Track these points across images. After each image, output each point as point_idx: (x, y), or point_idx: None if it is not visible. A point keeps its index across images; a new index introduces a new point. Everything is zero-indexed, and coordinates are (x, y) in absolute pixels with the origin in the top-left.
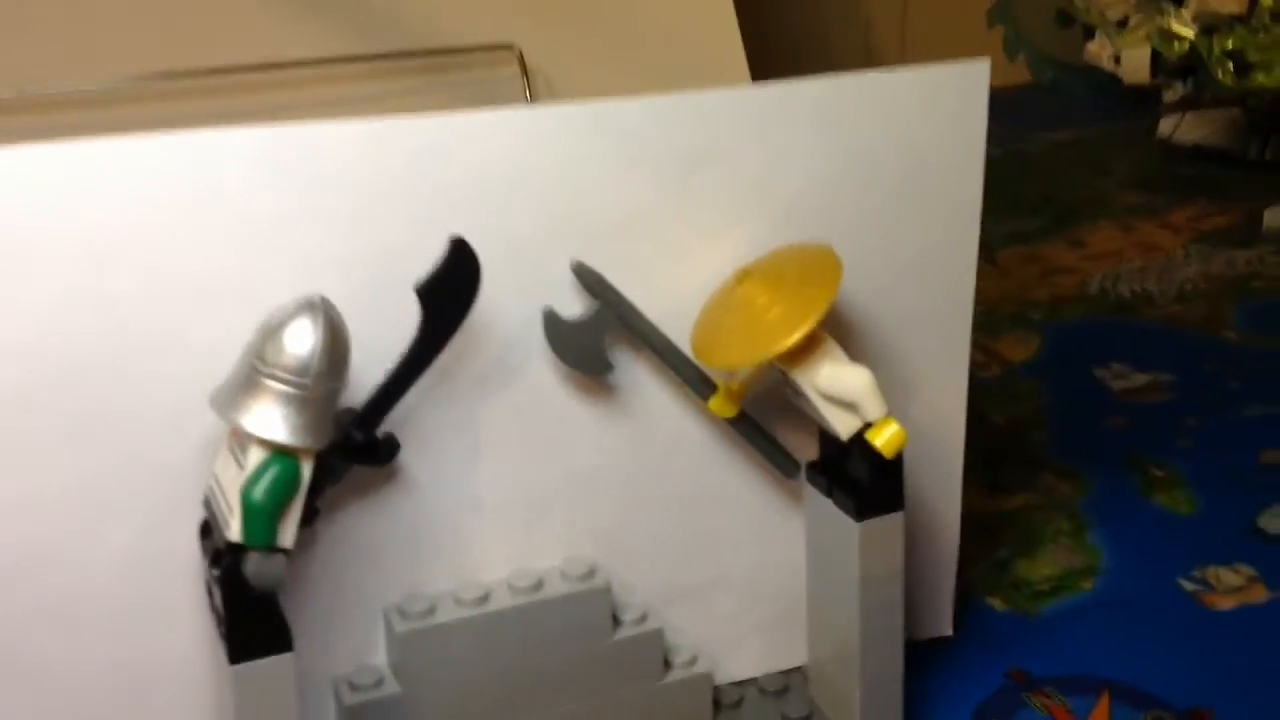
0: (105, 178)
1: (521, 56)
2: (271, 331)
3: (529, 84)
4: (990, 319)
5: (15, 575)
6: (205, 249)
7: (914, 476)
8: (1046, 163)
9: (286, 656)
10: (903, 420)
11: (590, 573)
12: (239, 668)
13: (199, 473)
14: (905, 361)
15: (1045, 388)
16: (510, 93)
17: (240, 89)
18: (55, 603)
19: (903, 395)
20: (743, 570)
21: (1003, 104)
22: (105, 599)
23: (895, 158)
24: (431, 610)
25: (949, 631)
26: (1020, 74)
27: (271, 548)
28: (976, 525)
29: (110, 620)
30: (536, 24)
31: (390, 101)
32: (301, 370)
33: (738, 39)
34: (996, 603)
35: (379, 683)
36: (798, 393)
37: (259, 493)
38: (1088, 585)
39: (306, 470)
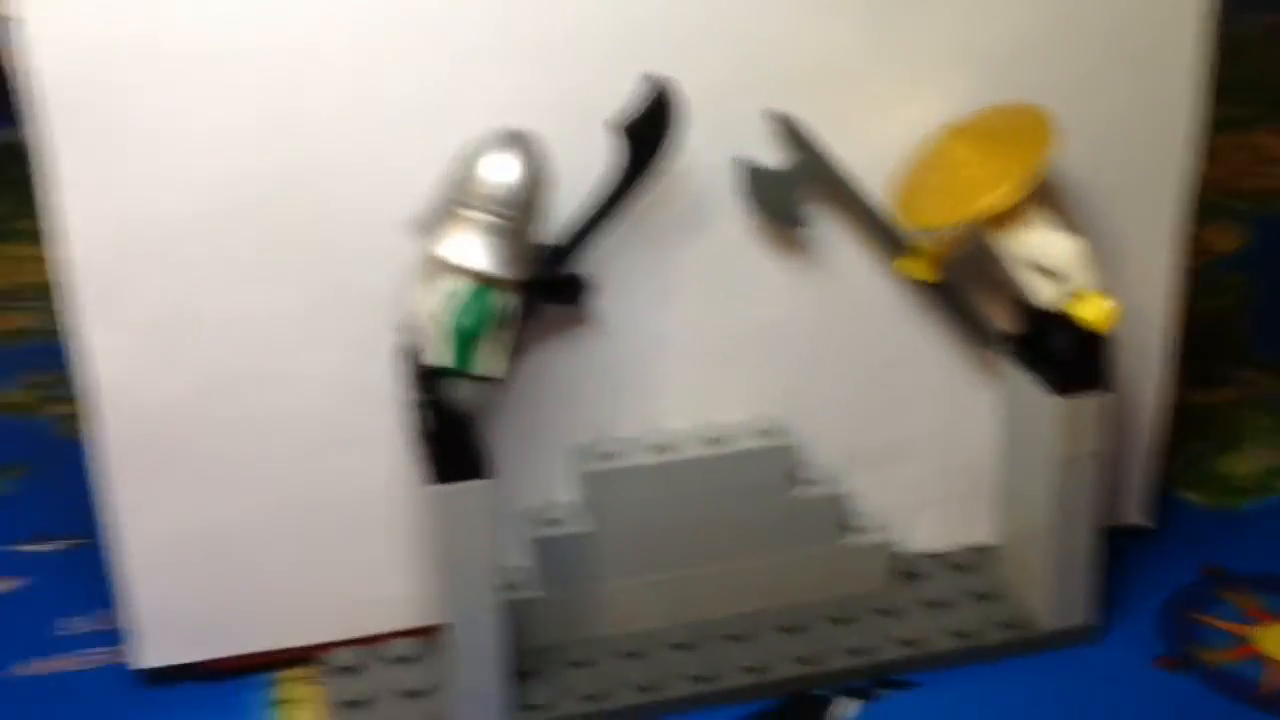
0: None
1: None
2: (475, 160)
3: None
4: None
5: (231, 387)
6: (405, 78)
7: (1119, 360)
8: (1261, 47)
9: (485, 483)
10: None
11: (775, 430)
12: (439, 489)
13: (400, 300)
14: (1112, 234)
15: (1250, 281)
16: None
17: None
18: (266, 416)
19: (1108, 271)
20: (930, 440)
21: None
22: (311, 418)
23: (1109, 17)
24: (619, 453)
25: (1147, 522)
26: None
27: (473, 373)
28: (1177, 418)
29: (314, 438)
30: None
31: None
32: (504, 201)
33: None
34: (1195, 497)
35: (565, 519)
36: (1001, 259)
37: (460, 318)
38: None
39: (506, 301)
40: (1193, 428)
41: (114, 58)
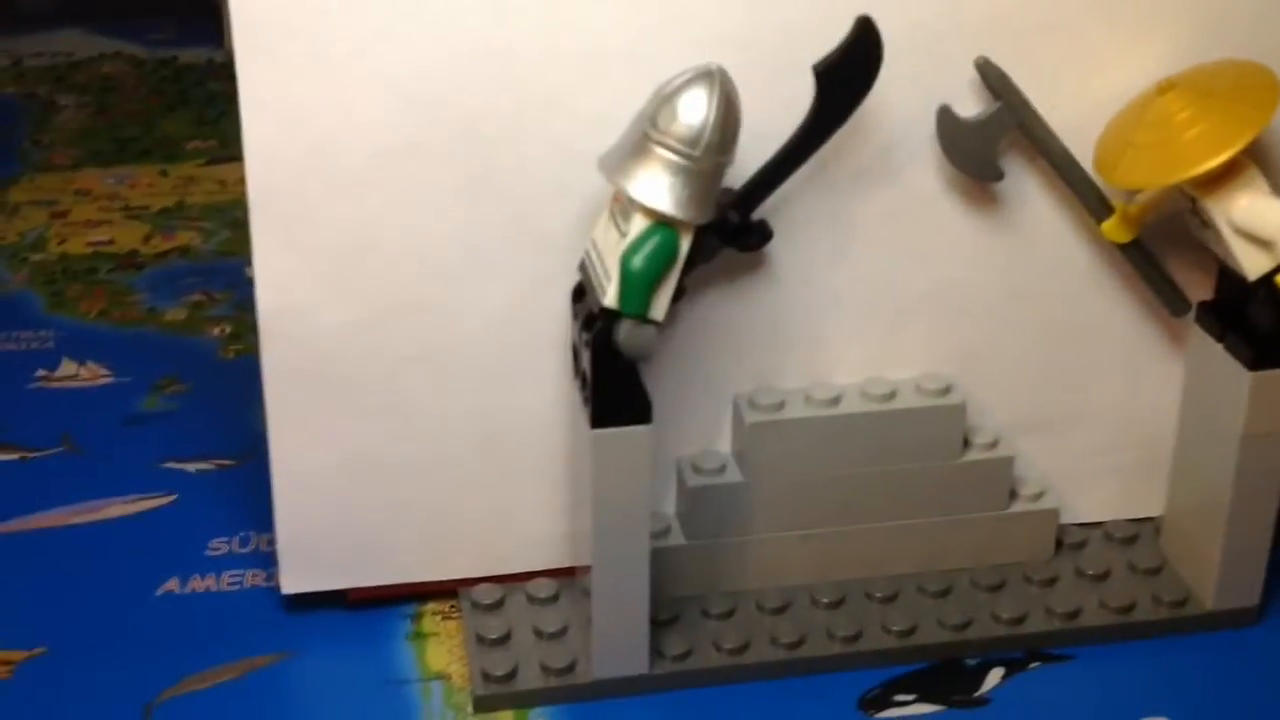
0: None
1: None
2: (666, 98)
3: None
4: None
5: (398, 316)
6: (603, 12)
7: None
8: None
9: (645, 429)
10: None
11: (946, 389)
12: (600, 432)
13: (577, 238)
14: None
15: None
16: None
17: None
18: (430, 347)
19: None
20: (1108, 409)
21: None
22: (475, 350)
23: None
24: (781, 404)
25: None
26: None
27: (645, 317)
28: None
29: (477, 371)
30: None
31: None
32: (692, 141)
33: None
34: None
35: (723, 468)
36: (1205, 224)
37: (639, 260)
38: None
39: (685, 244)
40: None
41: None
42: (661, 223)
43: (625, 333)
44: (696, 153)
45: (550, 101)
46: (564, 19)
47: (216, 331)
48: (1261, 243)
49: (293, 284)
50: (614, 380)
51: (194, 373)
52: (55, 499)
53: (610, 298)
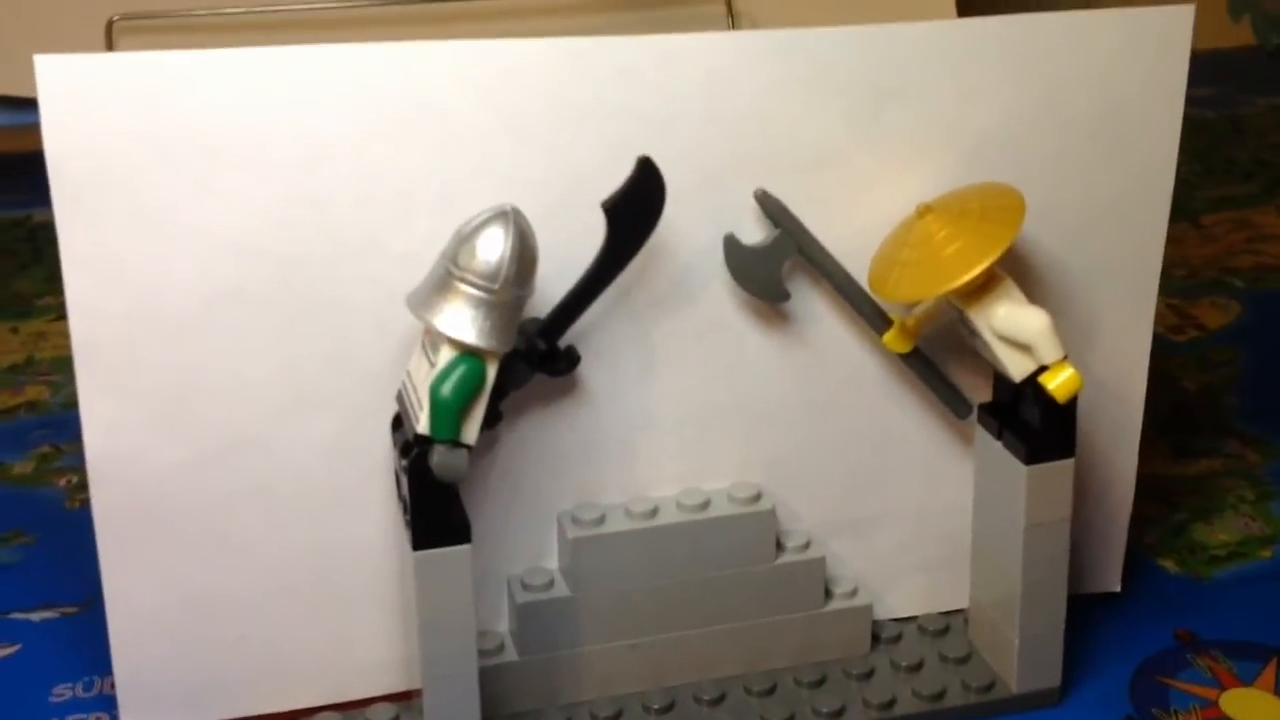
0: (321, 84)
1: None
2: (465, 237)
3: (734, 24)
4: (1190, 283)
5: (227, 454)
6: (411, 160)
7: (1090, 429)
8: (1263, 128)
9: (464, 548)
10: (1082, 371)
11: (756, 497)
12: (421, 554)
13: (396, 371)
14: (1088, 311)
15: (1242, 355)
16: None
17: (463, 17)
18: (260, 483)
19: (1084, 346)
20: (910, 508)
21: (1221, 65)
22: (305, 484)
23: (1090, 101)
24: (601, 519)
25: (1117, 588)
26: (1242, 35)
27: (455, 442)
28: (1158, 488)
29: (308, 504)
30: None
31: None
32: (491, 275)
33: None
34: (1170, 564)
35: (549, 584)
36: (973, 332)
37: (447, 389)
38: (1266, 554)
39: (491, 371)
40: (1174, 498)
41: (125, 145)
42: (467, 352)
43: (438, 457)
44: (495, 286)
45: (364, 245)
46: (374, 168)
47: (63, 482)
48: (1022, 347)
49: (120, 428)
50: (431, 503)
51: (40, 524)
52: None
53: (422, 425)
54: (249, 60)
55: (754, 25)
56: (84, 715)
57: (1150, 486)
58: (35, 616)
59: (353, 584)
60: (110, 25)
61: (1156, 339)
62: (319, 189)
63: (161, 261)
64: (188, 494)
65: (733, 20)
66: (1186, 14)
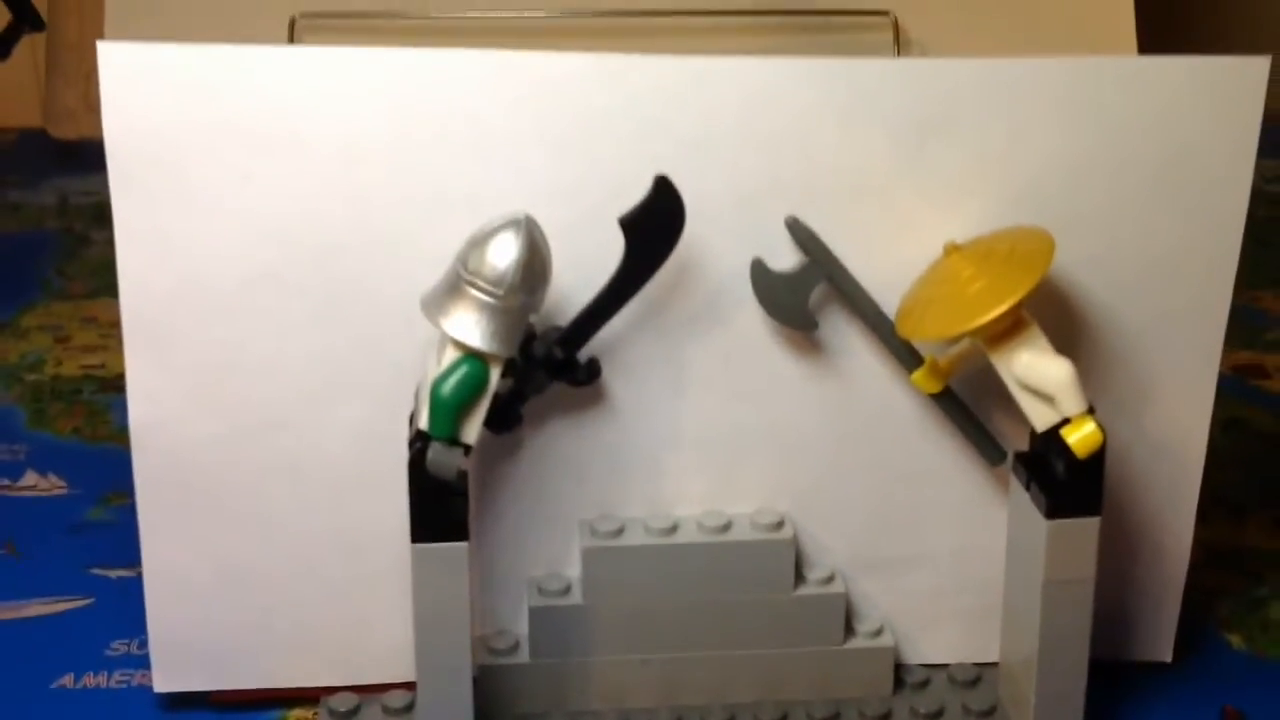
0: (362, 84)
1: (896, 23)
2: (477, 243)
3: (899, 51)
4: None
5: (260, 431)
6: (444, 163)
7: (1144, 490)
8: None
9: (460, 545)
10: (1137, 429)
11: (779, 524)
12: (417, 547)
13: (423, 365)
14: (1145, 367)
15: None
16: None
17: (606, 32)
18: (289, 462)
19: (1139, 402)
20: (945, 551)
21: None
22: (332, 466)
23: (1151, 148)
24: (620, 531)
25: (1168, 658)
26: None
27: (453, 440)
28: (1248, 560)
29: (335, 486)
30: None
31: None
32: (498, 281)
33: (1130, 12)
34: (1235, 639)
35: (566, 590)
36: (1000, 378)
37: (446, 388)
38: None
39: (494, 375)
40: (1260, 572)
41: (176, 130)
42: (471, 354)
43: (433, 454)
44: (501, 292)
45: (397, 241)
46: (409, 168)
47: None
48: (1044, 397)
49: (162, 398)
50: (429, 498)
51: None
52: None
53: (422, 421)
54: (295, 58)
55: (923, 52)
56: (132, 670)
57: (1240, 558)
58: (113, 574)
59: (375, 568)
60: (293, 22)
61: None
62: (356, 184)
63: (205, 242)
64: (222, 467)
65: (898, 47)
66: (1261, 66)
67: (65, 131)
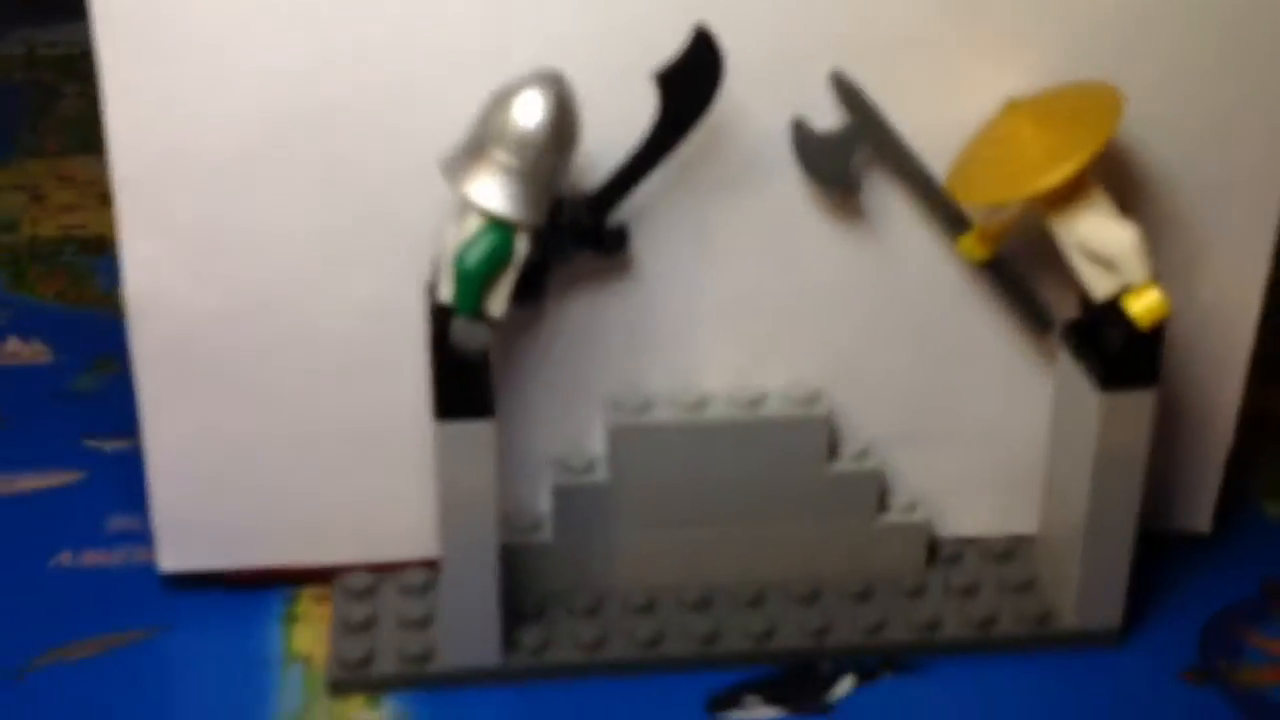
0: None
1: None
2: (502, 101)
3: None
4: None
5: (268, 304)
6: (453, 15)
7: (1191, 358)
8: None
9: (485, 423)
10: (1188, 297)
11: (813, 398)
12: (441, 425)
13: (434, 233)
14: (1200, 232)
15: None
16: None
17: None
18: (293, 337)
19: (1192, 268)
20: (981, 424)
21: None
22: (339, 342)
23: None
24: (646, 407)
25: (1207, 529)
26: None
27: (477, 314)
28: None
29: (342, 363)
30: None
31: None
32: (525, 143)
33: None
34: (1276, 510)
35: (589, 468)
36: (1057, 244)
37: (470, 259)
38: None
39: (521, 244)
40: None
41: None
42: (495, 222)
43: (458, 329)
44: (529, 154)
45: (406, 97)
46: (416, 20)
47: None
48: (1106, 263)
49: (159, 268)
50: (454, 374)
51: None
52: None
53: (444, 294)
54: None
55: None
56: (135, 547)
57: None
58: (107, 446)
59: (389, 446)
60: None
61: None
62: (361, 36)
63: (203, 100)
64: (222, 341)
65: None
66: None
67: None
